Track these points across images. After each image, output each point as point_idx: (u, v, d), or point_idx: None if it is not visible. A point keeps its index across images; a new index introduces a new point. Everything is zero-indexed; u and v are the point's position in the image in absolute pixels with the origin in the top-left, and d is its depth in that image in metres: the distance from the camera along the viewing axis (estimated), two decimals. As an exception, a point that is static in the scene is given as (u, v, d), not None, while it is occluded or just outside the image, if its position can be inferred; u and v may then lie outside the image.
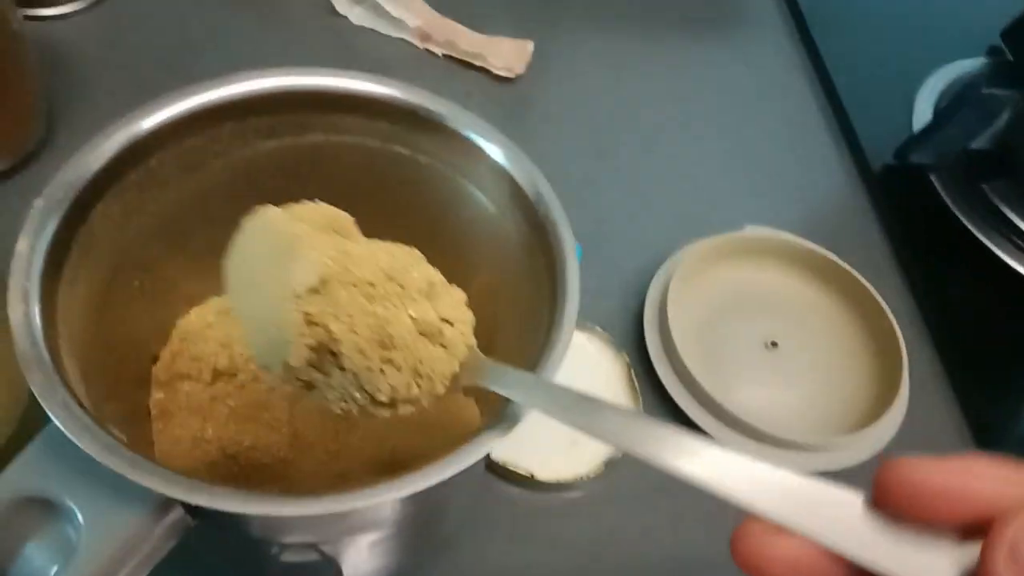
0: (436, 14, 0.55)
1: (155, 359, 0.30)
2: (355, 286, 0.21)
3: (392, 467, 0.29)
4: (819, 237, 0.46)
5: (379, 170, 0.29)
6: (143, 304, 0.27)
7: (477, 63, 0.54)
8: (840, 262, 0.43)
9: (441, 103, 0.28)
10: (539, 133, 0.52)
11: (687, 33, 0.61)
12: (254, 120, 0.27)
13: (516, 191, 0.27)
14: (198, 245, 0.27)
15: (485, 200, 0.28)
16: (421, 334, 0.23)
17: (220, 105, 0.27)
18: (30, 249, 0.22)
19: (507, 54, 0.54)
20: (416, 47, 0.55)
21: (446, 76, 0.54)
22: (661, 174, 0.51)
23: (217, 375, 0.30)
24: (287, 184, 0.25)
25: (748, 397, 0.39)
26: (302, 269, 0.21)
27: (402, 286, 0.22)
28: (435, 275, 0.23)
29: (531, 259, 0.27)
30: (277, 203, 0.24)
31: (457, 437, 0.23)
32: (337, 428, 0.29)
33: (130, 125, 0.25)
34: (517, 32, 0.56)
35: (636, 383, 0.39)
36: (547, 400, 0.22)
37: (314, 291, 0.21)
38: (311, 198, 0.24)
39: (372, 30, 0.55)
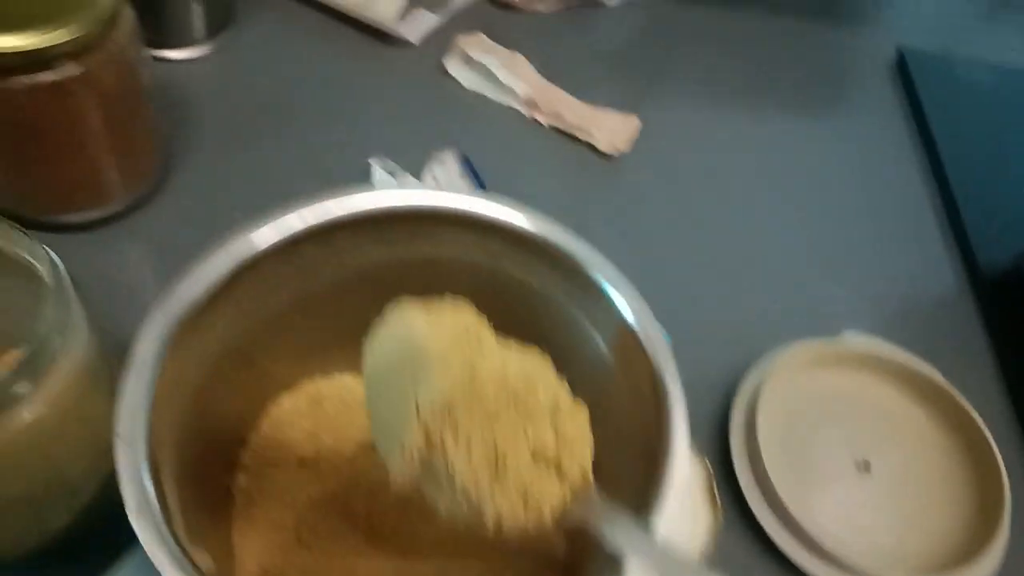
0: (545, 82, 0.55)
1: (244, 443, 0.31)
2: (478, 407, 0.22)
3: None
4: (921, 347, 0.44)
5: (487, 287, 0.29)
6: (239, 391, 0.28)
7: (582, 137, 0.54)
8: (942, 381, 0.41)
9: (568, 238, 0.28)
10: (635, 211, 0.51)
11: (796, 111, 0.60)
12: (370, 231, 0.28)
13: (634, 344, 0.26)
14: (298, 337, 0.27)
15: (597, 338, 0.28)
16: (537, 459, 0.23)
17: (341, 219, 0.27)
18: (145, 354, 0.23)
19: (613, 130, 0.53)
20: (522, 115, 0.55)
21: (549, 146, 0.54)
22: (758, 262, 0.50)
23: (302, 463, 0.30)
24: (393, 289, 0.26)
25: (834, 521, 0.38)
26: (428, 390, 0.22)
27: (527, 407, 0.22)
28: (562, 389, 0.23)
29: (636, 405, 0.26)
30: (384, 304, 0.25)
31: (538, 556, 0.23)
32: (413, 529, 0.29)
33: (249, 237, 0.26)
34: (624, 102, 0.55)
35: (717, 494, 0.38)
36: (661, 565, 0.21)
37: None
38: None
39: (481, 94, 0.56)
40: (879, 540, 0.38)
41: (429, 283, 0.28)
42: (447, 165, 0.49)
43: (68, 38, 0.36)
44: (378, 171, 0.48)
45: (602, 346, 0.28)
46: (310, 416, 0.31)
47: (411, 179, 0.48)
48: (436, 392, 0.22)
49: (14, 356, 0.36)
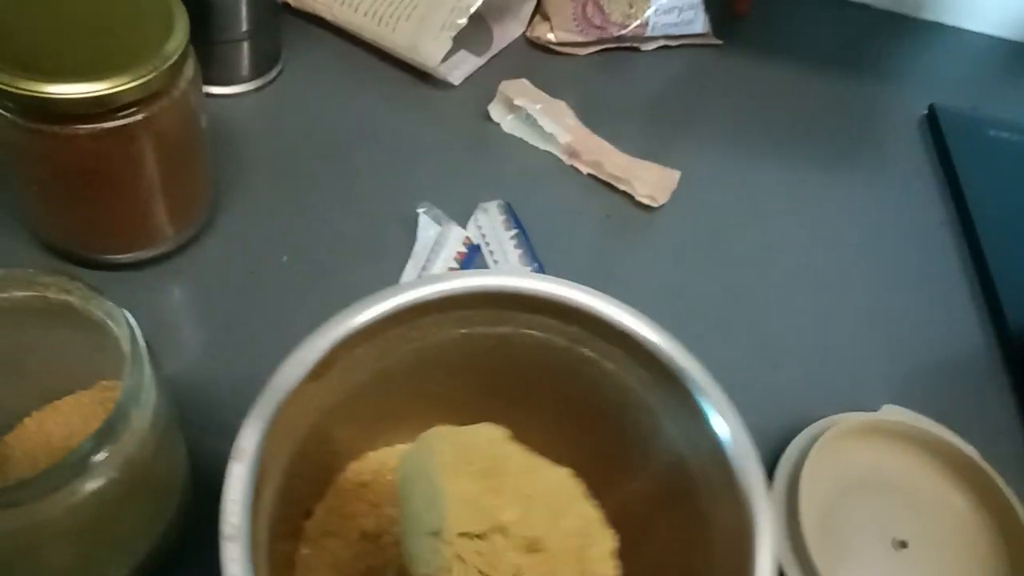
0: (587, 131, 0.56)
1: (309, 514, 0.31)
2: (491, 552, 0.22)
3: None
4: (954, 417, 0.45)
5: (559, 366, 0.29)
6: (313, 466, 0.28)
7: (621, 187, 0.54)
8: (980, 461, 0.42)
9: (659, 334, 0.28)
10: (672, 265, 0.52)
11: (833, 169, 0.61)
12: (455, 313, 0.28)
13: (722, 466, 0.26)
14: (370, 410, 0.27)
15: (673, 434, 0.28)
16: None
17: (433, 300, 0.27)
18: (249, 446, 0.23)
19: (652, 182, 0.54)
20: (562, 162, 0.55)
21: (588, 195, 0.54)
22: (795, 325, 0.50)
23: (364, 536, 0.30)
24: (467, 367, 0.26)
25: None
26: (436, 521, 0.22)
27: (550, 551, 0.23)
28: (592, 514, 0.24)
29: (712, 506, 0.26)
30: (455, 381, 0.25)
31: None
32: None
33: (346, 322, 0.26)
34: (659, 149, 0.56)
35: (757, 567, 0.38)
36: None
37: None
38: (488, 383, 0.25)
39: (518, 145, 0.56)
40: (914, 620, 0.38)
41: (501, 361, 0.29)
42: (491, 215, 0.50)
43: (134, 85, 0.36)
44: (425, 220, 0.48)
45: (678, 443, 0.28)
46: (373, 488, 0.31)
47: (456, 228, 0.48)
48: (436, 545, 0.22)
49: (69, 402, 0.36)
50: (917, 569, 0.39)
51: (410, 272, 0.47)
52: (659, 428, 0.28)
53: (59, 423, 0.35)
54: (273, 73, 0.55)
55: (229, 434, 0.39)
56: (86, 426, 0.35)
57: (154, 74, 0.37)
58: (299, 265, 0.46)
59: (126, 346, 0.28)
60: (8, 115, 0.36)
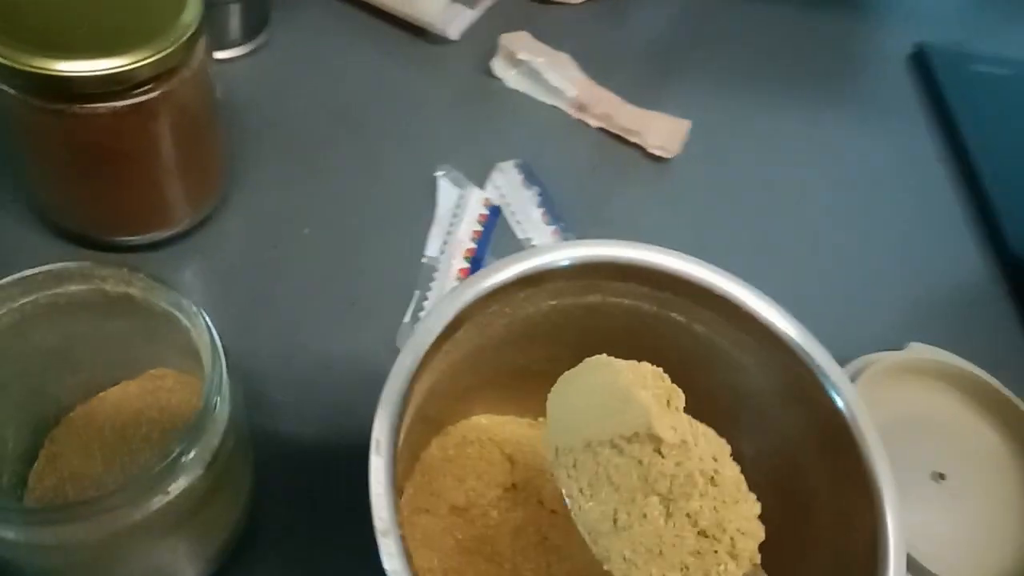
0: (595, 85, 0.55)
1: (401, 492, 0.30)
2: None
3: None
4: (970, 350, 0.46)
5: (647, 331, 0.29)
6: (408, 446, 0.28)
7: (632, 139, 0.54)
8: (1006, 391, 0.43)
9: (760, 301, 0.28)
10: (688, 217, 0.52)
11: (830, 110, 0.61)
12: (549, 285, 0.27)
13: (839, 424, 0.26)
14: (457, 389, 0.27)
15: (773, 395, 0.28)
16: (705, 536, 0.23)
17: (524, 276, 0.26)
18: (382, 437, 0.23)
19: (663, 133, 0.53)
20: (570, 116, 0.55)
21: (600, 149, 0.54)
22: (816, 271, 0.51)
23: (453, 510, 0.30)
24: (553, 339, 0.26)
25: (911, 531, 0.39)
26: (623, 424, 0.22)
27: (704, 485, 0.22)
28: (739, 474, 0.24)
29: (817, 476, 0.27)
30: (540, 353, 0.25)
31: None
32: (553, 571, 0.30)
33: (452, 302, 0.25)
34: (674, 105, 0.55)
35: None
36: None
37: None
38: (574, 353, 0.25)
39: (523, 100, 0.55)
40: (956, 550, 0.40)
41: (586, 329, 0.28)
42: (509, 175, 0.49)
43: (152, 60, 0.35)
44: (444, 183, 0.47)
45: (775, 407, 0.28)
46: (457, 461, 0.31)
47: (476, 190, 0.47)
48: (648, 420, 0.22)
49: (116, 393, 0.35)
50: (956, 498, 0.41)
51: (436, 237, 0.46)
52: (756, 388, 0.28)
53: (109, 415, 0.34)
54: (264, 36, 0.53)
55: (278, 412, 0.38)
56: (138, 417, 0.34)
57: (173, 47, 0.35)
58: (321, 236, 0.45)
59: (203, 336, 0.27)
60: (21, 95, 0.34)
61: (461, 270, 0.44)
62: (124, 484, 0.25)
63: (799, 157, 0.57)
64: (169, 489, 0.26)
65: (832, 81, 0.63)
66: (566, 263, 0.27)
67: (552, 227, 0.47)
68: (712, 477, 0.23)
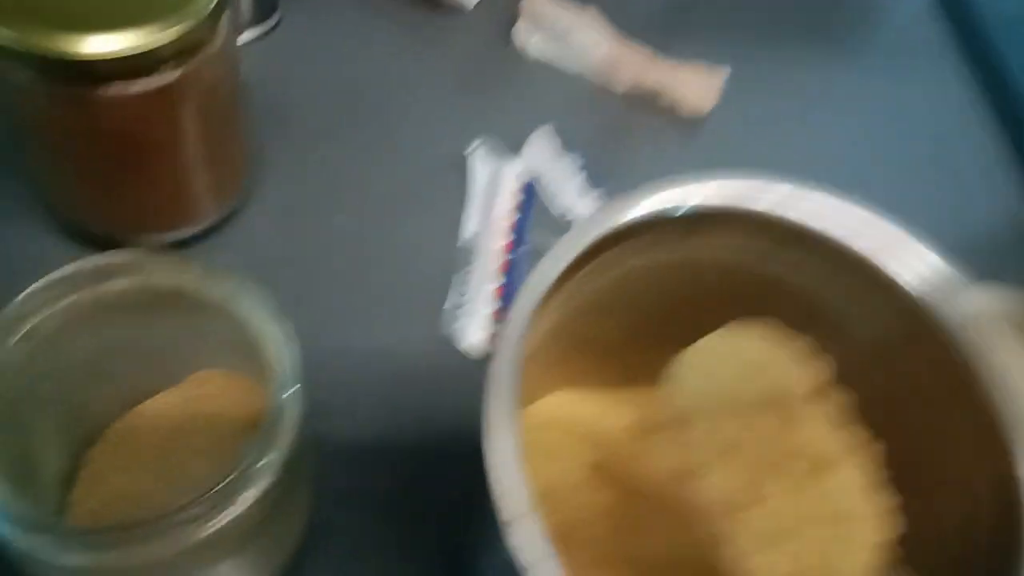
0: (624, 40, 0.52)
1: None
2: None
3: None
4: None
5: (744, 287, 0.26)
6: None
7: (665, 98, 0.51)
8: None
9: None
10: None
11: (861, 60, 0.58)
12: (636, 240, 0.25)
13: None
14: (536, 368, 0.24)
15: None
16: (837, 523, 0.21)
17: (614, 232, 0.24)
18: (503, 417, 0.20)
19: (696, 87, 0.51)
20: (598, 79, 0.52)
21: (631, 111, 0.51)
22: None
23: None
24: (662, 291, 0.23)
25: None
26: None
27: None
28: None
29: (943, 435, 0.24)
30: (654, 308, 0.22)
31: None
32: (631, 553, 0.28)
33: (544, 270, 0.23)
34: (706, 58, 0.53)
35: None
36: None
37: None
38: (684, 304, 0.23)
39: (546, 68, 0.52)
40: None
41: (681, 284, 0.26)
42: (541, 146, 0.46)
43: (176, 37, 0.32)
44: (475, 160, 0.45)
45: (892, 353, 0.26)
46: (537, 444, 0.28)
47: (508, 164, 0.45)
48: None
49: (158, 403, 0.32)
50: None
51: (473, 216, 0.43)
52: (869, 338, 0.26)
53: (151, 427, 0.32)
54: (276, 17, 0.50)
55: (328, 414, 0.36)
56: (183, 426, 0.32)
57: (198, 20, 0.32)
58: (355, 224, 0.42)
59: (265, 327, 0.24)
60: (39, 83, 0.31)
61: (506, 244, 0.42)
62: (194, 499, 0.22)
63: (844, 108, 0.54)
64: (239, 500, 0.23)
65: (858, 31, 0.61)
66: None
67: (596, 191, 0.45)
68: (852, 453, 0.21)
